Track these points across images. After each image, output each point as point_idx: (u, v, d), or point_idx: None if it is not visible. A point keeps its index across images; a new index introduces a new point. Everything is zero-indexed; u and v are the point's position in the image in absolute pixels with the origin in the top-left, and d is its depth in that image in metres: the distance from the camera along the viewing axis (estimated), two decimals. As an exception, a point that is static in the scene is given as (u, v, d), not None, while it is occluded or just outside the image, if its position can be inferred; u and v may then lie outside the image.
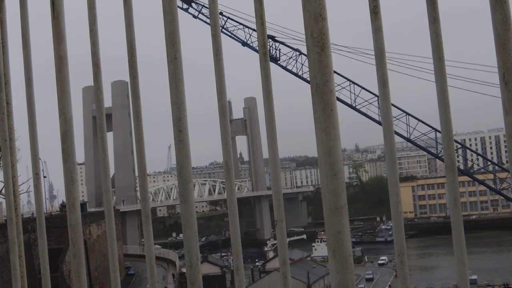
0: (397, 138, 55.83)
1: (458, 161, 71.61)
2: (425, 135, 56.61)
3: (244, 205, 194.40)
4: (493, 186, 59.80)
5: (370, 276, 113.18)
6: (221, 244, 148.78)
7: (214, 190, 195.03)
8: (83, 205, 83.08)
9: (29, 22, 2.99)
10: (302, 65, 56.01)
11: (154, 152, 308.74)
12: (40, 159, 3.12)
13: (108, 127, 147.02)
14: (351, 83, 55.24)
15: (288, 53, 56.87)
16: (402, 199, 2.15)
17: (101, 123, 2.79)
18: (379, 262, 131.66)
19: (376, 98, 51.86)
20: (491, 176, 60.60)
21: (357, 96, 55.25)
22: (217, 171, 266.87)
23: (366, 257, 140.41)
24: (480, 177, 63.80)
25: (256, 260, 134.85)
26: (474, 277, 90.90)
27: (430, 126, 55.34)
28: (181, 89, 2.27)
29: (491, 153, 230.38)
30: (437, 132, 52.88)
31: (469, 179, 66.65)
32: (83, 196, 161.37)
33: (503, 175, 57.79)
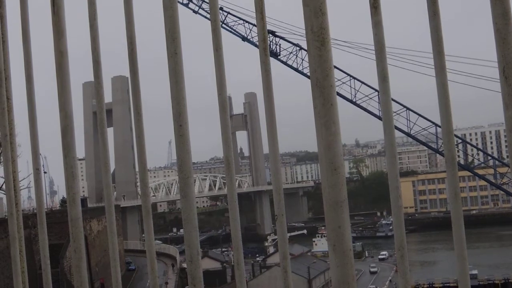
0: (397, 133, 55.80)
1: (459, 156, 71.58)
2: (426, 130, 56.59)
3: (245, 200, 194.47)
4: (493, 180, 59.81)
5: (375, 270, 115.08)
6: (222, 239, 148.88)
7: (215, 185, 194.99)
8: (83, 201, 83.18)
9: (29, 17, 2.99)
10: (303, 60, 55.94)
11: (155, 147, 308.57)
12: (40, 154, 3.12)
13: (109, 123, 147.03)
14: (351, 78, 55.20)
15: (288, 48, 56.83)
16: (402, 194, 2.16)
17: (101, 118, 2.79)
18: (380, 257, 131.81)
19: (376, 93, 51.78)
20: (491, 171, 60.60)
21: (358, 91, 55.23)
22: (218, 166, 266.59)
23: (366, 252, 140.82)
24: (480, 172, 63.66)
25: (257, 255, 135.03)
26: (475, 272, 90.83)
27: (431, 121, 55.30)
28: (181, 84, 2.27)
29: (492, 148, 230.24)
30: (438, 127, 52.83)
31: (470, 174, 66.66)
32: (83, 191, 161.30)
33: (503, 169, 57.76)
